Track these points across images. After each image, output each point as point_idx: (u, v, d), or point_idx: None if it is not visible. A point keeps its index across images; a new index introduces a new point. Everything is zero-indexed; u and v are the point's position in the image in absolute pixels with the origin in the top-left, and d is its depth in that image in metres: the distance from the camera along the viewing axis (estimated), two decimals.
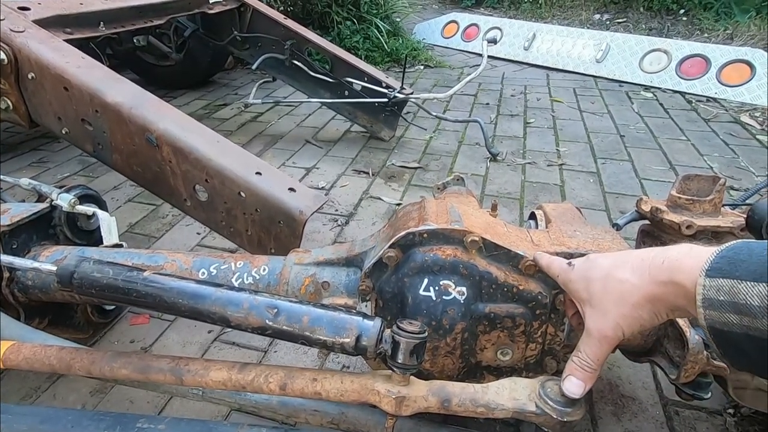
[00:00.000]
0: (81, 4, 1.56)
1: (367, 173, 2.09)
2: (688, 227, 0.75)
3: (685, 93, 2.99)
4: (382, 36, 3.77)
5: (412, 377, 0.59)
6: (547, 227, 0.91)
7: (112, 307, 1.19)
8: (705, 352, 0.73)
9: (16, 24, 1.28)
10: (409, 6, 4.49)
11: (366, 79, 2.22)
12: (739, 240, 0.44)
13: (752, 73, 2.81)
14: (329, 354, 1.17)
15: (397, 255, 0.77)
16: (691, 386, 0.77)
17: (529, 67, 3.73)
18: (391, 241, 0.77)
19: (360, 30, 3.77)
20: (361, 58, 3.42)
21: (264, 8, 2.32)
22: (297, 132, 2.56)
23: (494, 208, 0.92)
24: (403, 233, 0.76)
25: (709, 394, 0.78)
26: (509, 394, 0.56)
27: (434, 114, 2.41)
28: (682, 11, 4.44)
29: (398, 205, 1.83)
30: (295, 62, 2.28)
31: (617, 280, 0.51)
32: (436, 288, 0.75)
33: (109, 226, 1.11)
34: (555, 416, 0.53)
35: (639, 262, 0.50)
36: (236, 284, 0.88)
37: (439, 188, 1.15)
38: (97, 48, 2.31)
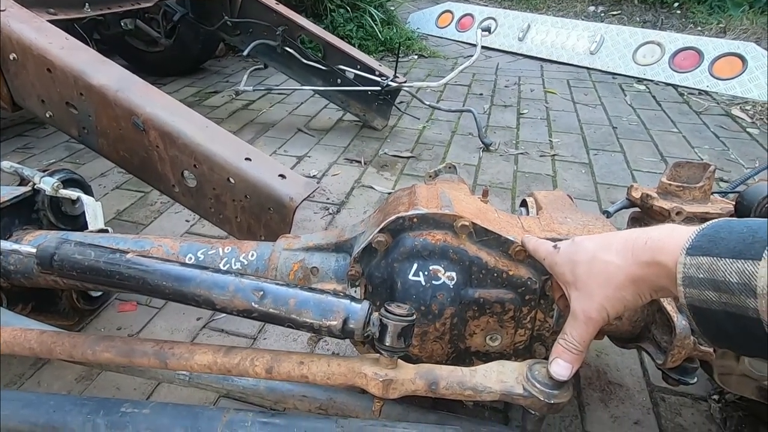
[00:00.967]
0: None
1: (360, 162, 2.07)
2: (677, 213, 0.76)
3: (678, 86, 3.00)
4: (375, 24, 3.73)
5: (399, 361, 0.59)
6: (537, 214, 0.91)
7: (99, 293, 1.17)
8: (692, 338, 0.73)
9: None
10: None
11: (359, 67, 2.20)
12: (721, 218, 0.44)
13: (744, 66, 2.82)
14: (318, 341, 1.16)
15: (387, 240, 0.76)
16: (677, 371, 0.78)
17: (523, 58, 3.72)
18: (380, 226, 0.76)
19: (353, 18, 3.72)
20: (354, 47, 3.37)
21: None
22: (289, 120, 2.53)
23: (485, 194, 0.91)
24: (392, 218, 0.75)
25: (695, 379, 0.78)
26: (497, 377, 0.56)
27: (427, 103, 2.39)
28: (676, 4, 4.45)
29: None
30: (287, 49, 2.24)
31: (602, 262, 0.51)
32: (426, 273, 0.74)
33: (94, 211, 1.09)
34: (542, 399, 0.53)
35: (623, 244, 0.50)
36: (224, 269, 0.86)
37: (430, 176, 1.14)
38: (84, 32, 2.26)
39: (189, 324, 1.20)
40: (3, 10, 1.23)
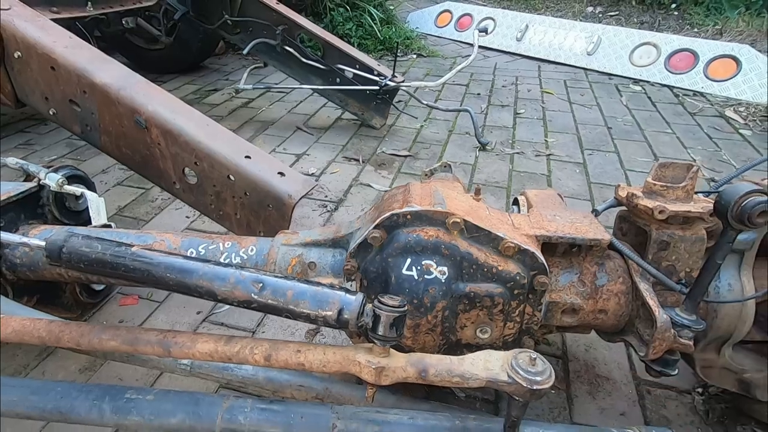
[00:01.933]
0: None
1: (358, 160, 2.10)
2: (660, 212, 0.79)
3: (673, 87, 3.03)
4: (375, 24, 3.75)
5: (391, 350, 0.62)
6: (528, 212, 0.94)
7: (101, 287, 1.20)
8: (672, 330, 0.77)
9: (1, 1, 1.27)
10: None
11: (358, 66, 2.22)
12: None
13: (738, 68, 2.85)
14: (315, 335, 1.20)
15: (382, 236, 0.79)
16: (659, 363, 0.81)
17: (521, 58, 3.75)
18: (375, 222, 0.79)
19: (353, 17, 3.74)
20: (353, 46, 3.39)
21: None
22: (288, 118, 2.55)
23: (477, 192, 0.94)
24: (387, 214, 0.78)
25: (676, 371, 0.82)
26: (483, 365, 0.59)
27: (425, 103, 2.42)
28: (673, 6, 4.48)
29: None
30: (287, 48, 2.27)
31: None
32: (419, 267, 0.77)
33: (97, 206, 1.11)
34: (525, 385, 0.56)
35: None
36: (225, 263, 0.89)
37: (426, 174, 1.17)
38: (85, 29, 2.28)
39: (189, 317, 1.23)
40: (7, 9, 1.26)
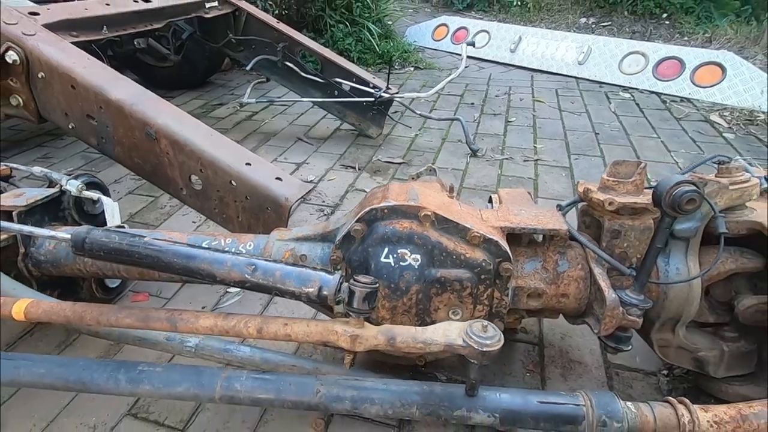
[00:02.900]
0: (86, 9, 1.69)
1: (354, 168, 2.22)
2: (610, 204, 0.88)
3: (661, 93, 3.13)
4: (373, 39, 3.91)
5: (366, 322, 0.72)
6: (498, 208, 1.04)
7: (115, 284, 1.31)
8: (621, 309, 0.86)
9: (28, 28, 1.41)
10: (400, 9, 4.63)
11: (354, 79, 2.35)
12: None
13: (723, 74, 2.95)
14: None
15: (363, 228, 0.90)
16: (613, 339, 0.90)
17: (515, 69, 3.87)
18: (357, 217, 0.90)
19: (352, 33, 3.90)
20: (353, 60, 3.54)
21: (258, 12, 2.45)
22: (289, 130, 2.68)
23: (451, 190, 1.05)
24: (367, 209, 0.89)
25: (630, 347, 0.90)
26: (443, 332, 0.68)
27: (419, 113, 2.54)
28: (665, 15, 4.59)
29: None
30: (288, 63, 2.41)
31: None
32: (395, 256, 0.87)
33: (112, 210, 1.23)
34: (477, 348, 0.65)
35: None
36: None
37: (413, 178, 1.28)
38: (99, 49, 2.44)
39: None
40: (33, 35, 1.40)
